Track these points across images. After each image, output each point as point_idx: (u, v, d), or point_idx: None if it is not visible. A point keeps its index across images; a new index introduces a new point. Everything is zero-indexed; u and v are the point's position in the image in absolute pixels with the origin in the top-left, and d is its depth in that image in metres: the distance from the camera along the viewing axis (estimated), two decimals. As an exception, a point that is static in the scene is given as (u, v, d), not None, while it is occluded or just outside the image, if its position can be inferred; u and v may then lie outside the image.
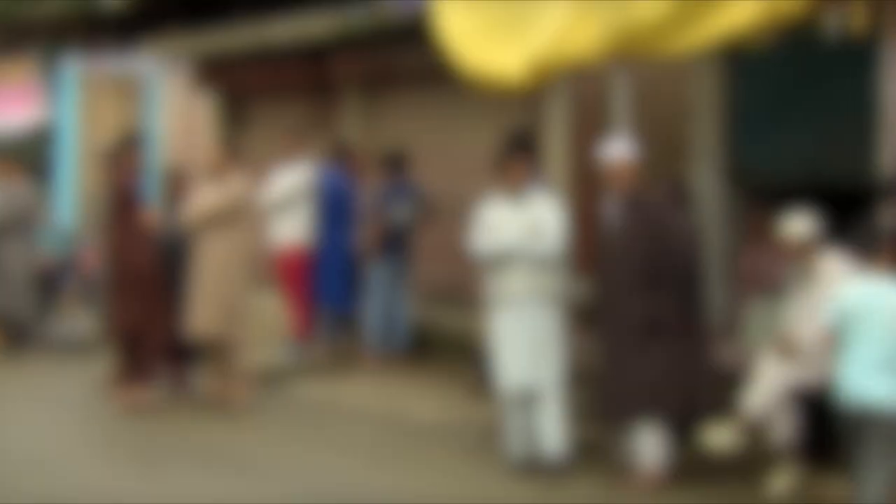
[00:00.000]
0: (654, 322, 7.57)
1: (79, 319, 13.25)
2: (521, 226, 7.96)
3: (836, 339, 6.50)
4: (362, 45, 12.28)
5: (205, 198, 10.08)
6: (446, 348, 11.00)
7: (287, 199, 11.59)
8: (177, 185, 10.76)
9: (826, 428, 7.52)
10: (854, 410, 6.34)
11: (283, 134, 12.33)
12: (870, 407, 6.27)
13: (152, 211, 10.49)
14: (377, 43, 12.04)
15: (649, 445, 7.70)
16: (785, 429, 7.53)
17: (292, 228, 11.64)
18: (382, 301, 11.35)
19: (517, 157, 8.13)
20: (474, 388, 9.48)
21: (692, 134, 9.75)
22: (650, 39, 7.85)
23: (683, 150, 9.75)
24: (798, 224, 7.63)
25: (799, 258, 7.69)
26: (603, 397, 7.89)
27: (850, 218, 8.08)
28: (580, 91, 9.23)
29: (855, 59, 7.22)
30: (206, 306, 9.93)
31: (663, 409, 7.62)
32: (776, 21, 7.25)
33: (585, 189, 9.11)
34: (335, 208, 11.52)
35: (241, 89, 14.70)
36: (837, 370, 6.47)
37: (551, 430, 8.04)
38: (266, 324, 11.57)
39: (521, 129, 8.75)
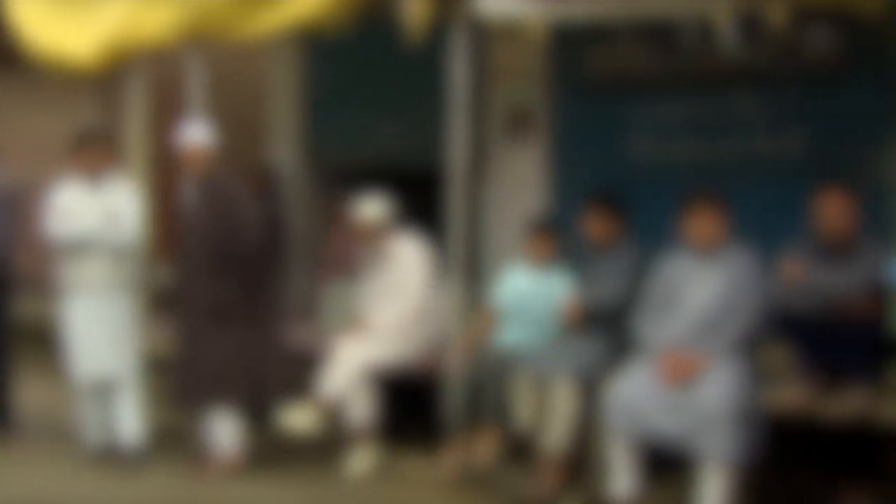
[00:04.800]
0: (223, 306, 7.53)
1: None
2: (98, 212, 7.76)
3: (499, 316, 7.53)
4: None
5: None
6: (23, 338, 10.61)
7: None
8: None
9: (404, 406, 7.79)
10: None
11: None
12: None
13: None
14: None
15: (224, 430, 7.68)
16: (362, 408, 7.66)
17: None
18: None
19: (95, 142, 7.94)
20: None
21: (271, 117, 9.79)
22: (222, 22, 7.83)
23: (264, 133, 9.78)
24: (370, 208, 7.82)
25: (372, 241, 7.88)
26: (177, 383, 7.81)
27: (424, 201, 8.34)
28: (158, 74, 9.08)
29: (427, 46, 7.41)
30: None
31: (234, 393, 7.61)
32: (348, 8, 7.37)
33: (165, 174, 9.00)
34: None
35: None
36: (502, 340, 7.40)
37: (128, 418, 7.92)
38: None
39: (95, 119, 8.57)
